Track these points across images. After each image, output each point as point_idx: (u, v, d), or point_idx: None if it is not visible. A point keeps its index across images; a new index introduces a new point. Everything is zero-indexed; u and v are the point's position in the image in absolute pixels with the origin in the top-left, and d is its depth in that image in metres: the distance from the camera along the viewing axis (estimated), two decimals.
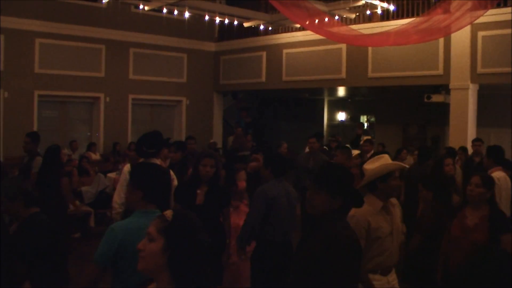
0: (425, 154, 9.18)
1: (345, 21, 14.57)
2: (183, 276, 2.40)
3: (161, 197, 4.10)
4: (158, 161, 6.40)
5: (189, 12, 14.08)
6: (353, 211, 4.19)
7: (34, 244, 4.26)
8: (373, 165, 4.43)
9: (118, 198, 6.31)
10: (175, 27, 16.80)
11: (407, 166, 4.85)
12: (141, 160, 6.43)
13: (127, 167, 6.54)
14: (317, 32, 13.47)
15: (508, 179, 7.41)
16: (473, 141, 11.14)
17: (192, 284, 2.40)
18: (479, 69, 12.67)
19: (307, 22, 12.85)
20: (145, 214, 3.82)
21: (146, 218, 3.69)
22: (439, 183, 6.37)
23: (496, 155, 7.82)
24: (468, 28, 12.24)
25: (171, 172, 6.62)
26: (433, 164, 8.03)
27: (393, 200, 4.70)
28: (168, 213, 2.48)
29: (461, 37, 12.66)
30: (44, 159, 8.22)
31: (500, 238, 4.89)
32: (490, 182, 5.19)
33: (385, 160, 4.49)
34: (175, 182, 6.50)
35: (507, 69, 12.09)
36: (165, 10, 14.39)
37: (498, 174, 7.29)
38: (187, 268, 2.40)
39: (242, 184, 8.02)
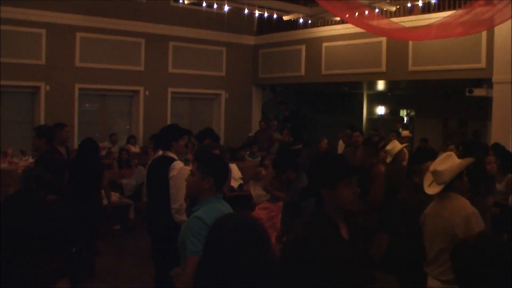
0: (470, 150, 8.97)
1: (385, 14, 14.41)
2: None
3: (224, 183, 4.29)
4: (171, 154, 6.43)
5: (228, 5, 14.12)
6: (470, 207, 4.48)
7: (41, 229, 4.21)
8: (446, 165, 4.47)
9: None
10: (215, 20, 16.83)
11: (474, 160, 4.82)
12: (161, 152, 6.56)
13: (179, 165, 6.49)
14: (357, 25, 13.36)
15: None
16: None
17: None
18: None
19: (347, 15, 12.75)
20: (218, 200, 4.05)
21: (220, 203, 4.02)
22: (477, 182, 6.24)
23: None
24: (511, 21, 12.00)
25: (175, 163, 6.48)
26: (473, 162, 7.85)
27: None
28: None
29: (504, 30, 12.38)
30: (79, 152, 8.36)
31: None
32: None
33: (454, 158, 4.54)
34: (173, 173, 6.33)
35: None
36: (204, 4, 14.45)
37: None
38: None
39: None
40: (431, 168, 4.57)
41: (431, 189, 4.62)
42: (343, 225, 3.25)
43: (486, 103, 14.14)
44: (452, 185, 4.49)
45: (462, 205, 4.49)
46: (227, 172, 4.32)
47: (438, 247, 4.52)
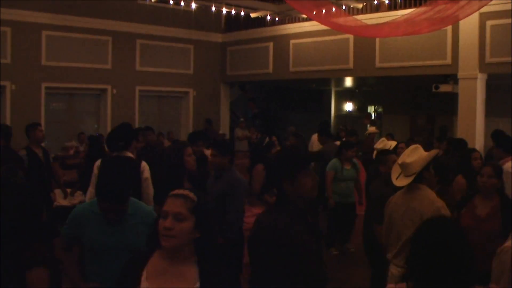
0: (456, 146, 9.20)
1: (352, 11, 14.50)
2: (211, 244, 2.82)
3: None
4: (129, 154, 6.34)
5: (195, 2, 14.05)
6: (437, 200, 4.58)
7: None
8: (413, 157, 4.52)
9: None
10: (182, 18, 16.77)
11: (441, 151, 4.93)
12: (114, 154, 6.43)
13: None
14: (323, 23, 13.40)
15: None
16: None
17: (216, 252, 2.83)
18: (488, 59, 12.54)
19: (314, 13, 12.76)
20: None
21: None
22: (447, 174, 6.42)
23: (504, 144, 7.79)
24: (476, 17, 12.15)
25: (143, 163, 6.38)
26: (460, 157, 7.98)
27: None
28: (190, 193, 2.77)
29: (469, 26, 12.56)
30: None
31: None
32: (500, 172, 5.23)
33: (421, 150, 4.61)
34: (146, 174, 6.25)
35: None
36: (171, 1, 14.36)
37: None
38: (213, 238, 2.86)
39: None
40: (399, 160, 4.63)
41: (400, 181, 4.68)
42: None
43: (452, 99, 14.31)
44: (421, 177, 4.54)
45: (432, 197, 4.58)
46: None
47: (405, 237, 4.57)
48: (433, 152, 4.72)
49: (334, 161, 9.36)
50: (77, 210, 4.22)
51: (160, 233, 2.69)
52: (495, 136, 8.41)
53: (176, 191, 2.78)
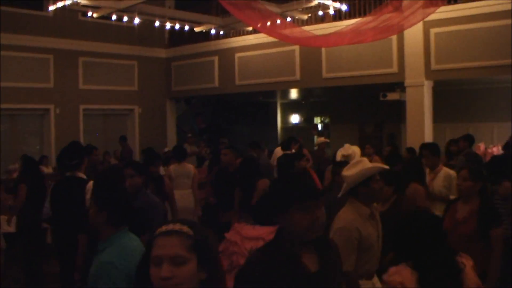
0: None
1: (297, 22, 14.50)
2: (222, 282, 2.33)
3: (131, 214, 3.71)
4: (81, 174, 6.12)
5: (139, 18, 13.81)
6: (342, 221, 4.16)
7: None
8: (352, 171, 4.34)
9: None
10: (125, 34, 16.49)
11: (387, 167, 4.71)
12: (68, 174, 6.19)
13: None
14: (270, 35, 13.36)
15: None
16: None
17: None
18: (433, 66, 12.75)
19: (259, 25, 12.70)
20: (124, 234, 3.52)
21: (130, 238, 3.52)
22: (402, 185, 6.41)
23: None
24: (420, 26, 12.32)
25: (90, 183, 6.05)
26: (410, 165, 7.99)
27: (375, 204, 4.59)
28: (183, 227, 2.22)
29: (414, 35, 12.73)
30: None
31: (490, 233, 4.93)
32: (478, 175, 5.21)
33: (364, 164, 4.40)
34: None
35: (460, 65, 12.30)
36: (114, 17, 14.04)
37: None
38: (223, 274, 2.37)
39: None
40: (343, 172, 4.49)
41: (340, 193, 4.53)
42: (310, 254, 2.77)
43: (399, 107, 14.46)
44: (355, 192, 4.36)
45: (342, 217, 4.28)
46: (125, 203, 3.64)
47: None
48: (373, 168, 4.50)
49: None
50: None
51: (156, 285, 2.16)
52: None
53: (165, 227, 2.22)
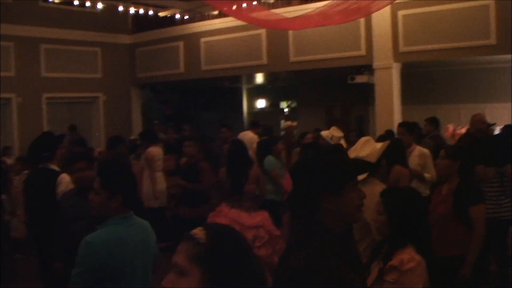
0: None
1: (264, 5, 14.34)
2: None
3: (136, 199, 3.76)
4: (54, 166, 5.94)
5: (102, 3, 13.53)
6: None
7: None
8: (367, 151, 4.31)
9: None
10: (88, 20, 16.11)
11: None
12: (41, 166, 6.01)
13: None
14: (237, 17, 13.22)
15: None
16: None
17: None
18: (401, 48, 12.72)
19: (226, 8, 12.58)
20: (124, 220, 3.46)
21: (125, 225, 3.42)
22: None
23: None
24: (388, 8, 12.24)
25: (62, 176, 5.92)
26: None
27: None
28: (199, 231, 1.83)
29: (381, 17, 12.66)
30: None
31: (468, 211, 4.89)
32: (455, 153, 5.15)
33: (373, 142, 4.43)
34: (62, 187, 5.74)
35: (428, 47, 12.29)
36: (76, 2, 13.73)
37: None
38: None
39: None
40: (353, 155, 4.41)
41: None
42: None
43: (367, 89, 14.44)
44: (375, 170, 4.38)
45: (376, 190, 4.35)
46: (135, 185, 3.77)
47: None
48: (385, 144, 4.58)
49: (271, 159, 8.99)
50: None
51: None
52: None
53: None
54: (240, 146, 7.40)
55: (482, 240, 4.92)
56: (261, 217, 6.25)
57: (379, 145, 4.54)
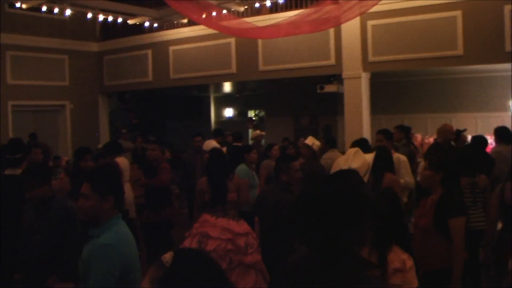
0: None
1: (234, 14, 14.35)
2: None
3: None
4: (20, 171, 5.85)
5: (70, 9, 13.39)
6: None
7: None
8: (359, 162, 4.37)
9: None
10: (55, 27, 15.98)
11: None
12: (6, 171, 5.91)
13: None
14: (207, 26, 13.18)
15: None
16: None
17: None
18: (370, 58, 12.83)
19: (195, 16, 12.56)
20: (118, 220, 3.56)
21: (122, 225, 3.56)
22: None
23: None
24: (357, 18, 12.34)
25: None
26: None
27: None
28: (168, 255, 1.80)
29: (351, 27, 12.76)
30: None
31: (448, 223, 4.77)
32: (437, 165, 5.05)
33: (361, 153, 4.47)
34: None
35: (397, 57, 12.43)
36: (44, 8, 13.56)
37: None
38: None
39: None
40: (345, 166, 4.44)
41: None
42: None
43: (336, 99, 14.54)
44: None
45: None
46: (123, 187, 3.81)
47: None
48: (373, 154, 4.63)
49: (243, 167, 8.82)
50: None
51: None
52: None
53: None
54: (220, 155, 7.34)
55: (462, 252, 4.79)
56: (246, 224, 6.32)
57: (368, 156, 4.57)
